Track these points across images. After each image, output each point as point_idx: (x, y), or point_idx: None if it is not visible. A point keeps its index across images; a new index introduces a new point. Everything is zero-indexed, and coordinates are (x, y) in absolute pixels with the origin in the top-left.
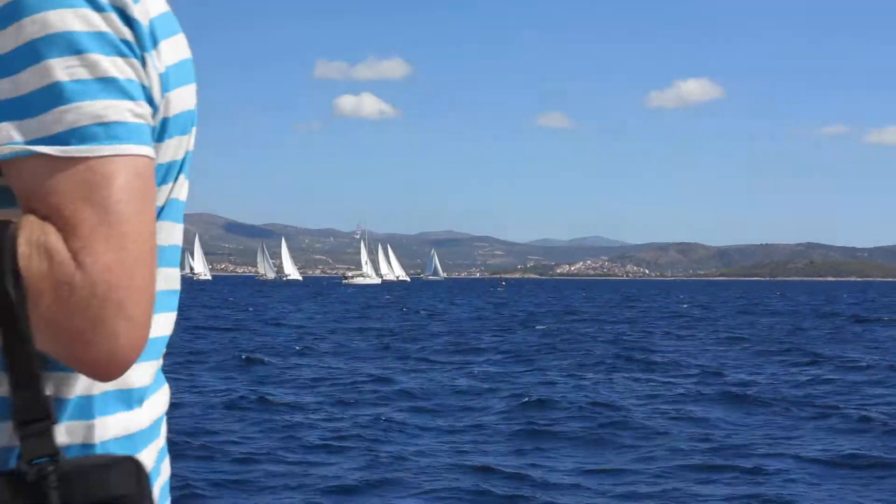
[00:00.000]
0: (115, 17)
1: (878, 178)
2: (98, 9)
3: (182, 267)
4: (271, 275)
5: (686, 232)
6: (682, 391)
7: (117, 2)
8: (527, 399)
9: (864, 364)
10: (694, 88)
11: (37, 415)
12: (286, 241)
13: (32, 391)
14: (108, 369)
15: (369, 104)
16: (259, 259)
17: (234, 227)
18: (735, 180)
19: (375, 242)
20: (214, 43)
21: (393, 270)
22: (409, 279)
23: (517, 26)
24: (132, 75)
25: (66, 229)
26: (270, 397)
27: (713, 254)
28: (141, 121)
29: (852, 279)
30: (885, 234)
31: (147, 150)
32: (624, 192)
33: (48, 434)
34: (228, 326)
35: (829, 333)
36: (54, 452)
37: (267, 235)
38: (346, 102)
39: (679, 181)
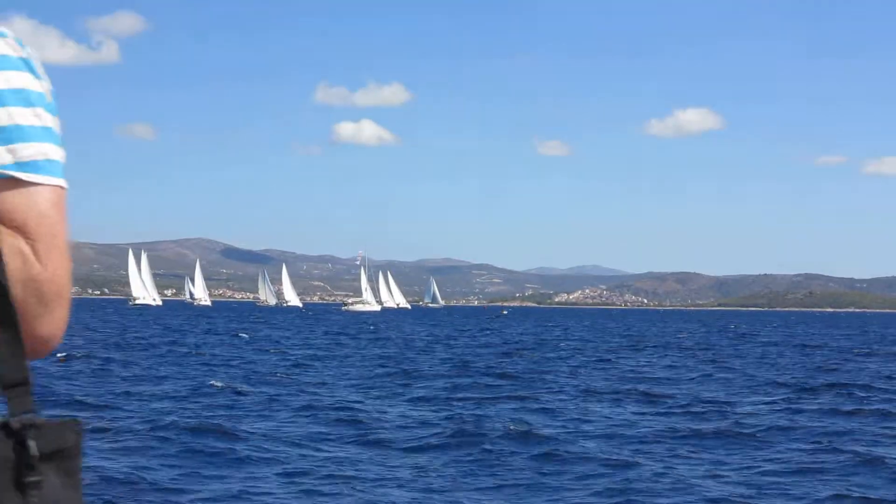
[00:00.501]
0: (48, 84)
1: (876, 208)
2: (37, 77)
3: (182, 292)
4: (272, 301)
5: (684, 262)
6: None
7: (44, 73)
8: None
9: None
10: (693, 117)
11: (20, 380)
12: (284, 267)
13: (17, 361)
14: (50, 345)
15: (369, 130)
16: (260, 285)
17: (231, 253)
18: (734, 210)
19: (375, 269)
20: (213, 62)
21: (393, 297)
22: (409, 306)
23: (516, 54)
24: (57, 127)
25: (30, 239)
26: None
27: (712, 283)
28: (62, 161)
29: (850, 310)
30: (883, 265)
31: (65, 184)
32: (622, 221)
33: (27, 395)
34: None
35: None
36: (32, 410)
37: (265, 261)
38: (346, 129)
39: (678, 210)
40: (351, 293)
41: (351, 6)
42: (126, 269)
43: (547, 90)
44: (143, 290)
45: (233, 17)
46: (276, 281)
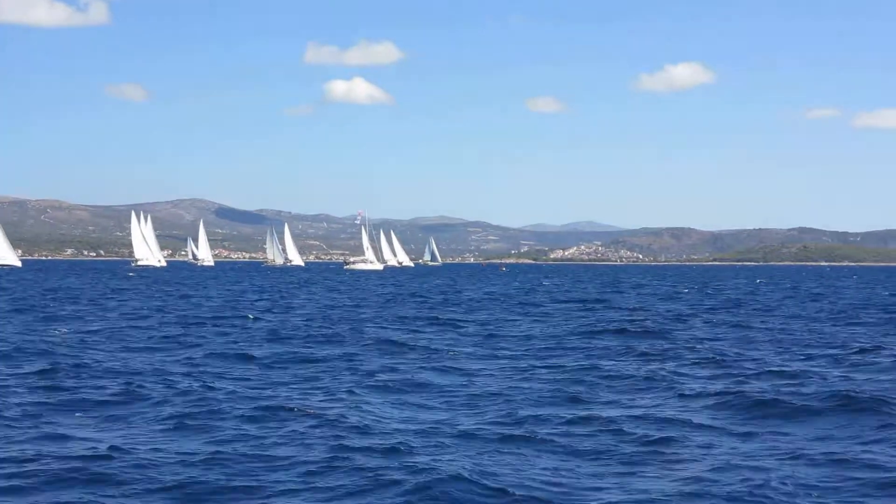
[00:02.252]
0: None
1: (869, 161)
2: None
3: (178, 253)
4: (280, 260)
5: (679, 217)
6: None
7: None
8: None
9: None
10: (684, 72)
11: None
12: (278, 226)
13: None
14: None
15: (361, 89)
16: (268, 245)
17: (225, 213)
18: (727, 165)
19: (376, 228)
20: (203, 22)
21: (396, 256)
22: (413, 265)
23: (506, 10)
24: None
25: None
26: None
27: (706, 238)
28: None
29: (845, 263)
30: (876, 218)
31: None
32: (616, 176)
33: None
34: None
35: None
36: None
37: (260, 221)
38: (338, 87)
39: (671, 166)
40: (347, 251)
41: None
42: (121, 231)
43: (538, 46)
44: (148, 251)
45: None
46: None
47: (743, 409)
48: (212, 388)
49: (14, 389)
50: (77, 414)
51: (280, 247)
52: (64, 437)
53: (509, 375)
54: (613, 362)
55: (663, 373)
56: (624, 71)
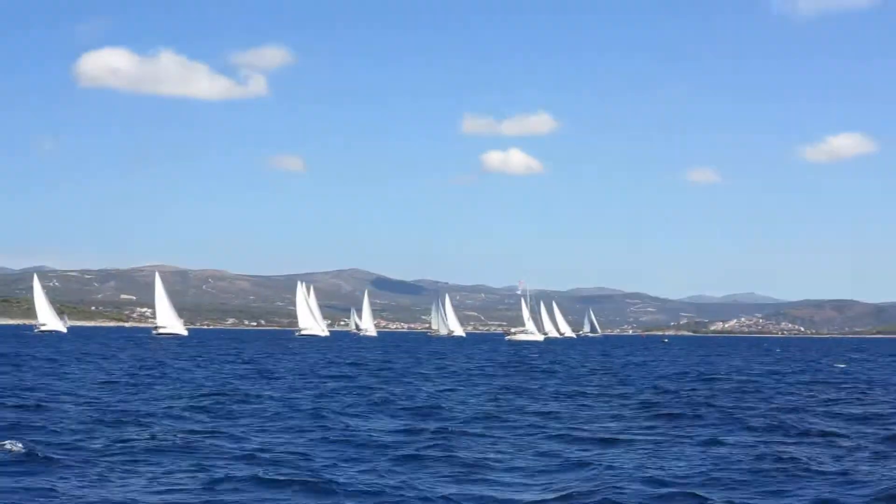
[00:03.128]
0: None
1: None
2: None
3: (336, 323)
4: (444, 331)
5: (842, 289)
6: None
7: None
8: None
9: None
10: (846, 143)
11: None
12: (435, 297)
13: None
14: None
15: (517, 159)
16: (433, 315)
17: (382, 283)
18: (892, 236)
19: (534, 299)
20: (359, 93)
21: (557, 327)
22: (575, 336)
23: (663, 79)
24: None
25: None
26: None
27: (870, 311)
28: None
29: None
30: None
31: None
32: (777, 248)
33: None
34: None
35: None
36: None
37: (417, 291)
38: (494, 158)
39: (833, 237)
40: (505, 322)
41: (492, 36)
42: (282, 301)
43: (695, 116)
44: (312, 320)
45: (378, 47)
46: (429, 311)
47: None
48: None
49: None
50: None
51: (443, 317)
52: None
53: None
54: None
55: None
56: (783, 142)
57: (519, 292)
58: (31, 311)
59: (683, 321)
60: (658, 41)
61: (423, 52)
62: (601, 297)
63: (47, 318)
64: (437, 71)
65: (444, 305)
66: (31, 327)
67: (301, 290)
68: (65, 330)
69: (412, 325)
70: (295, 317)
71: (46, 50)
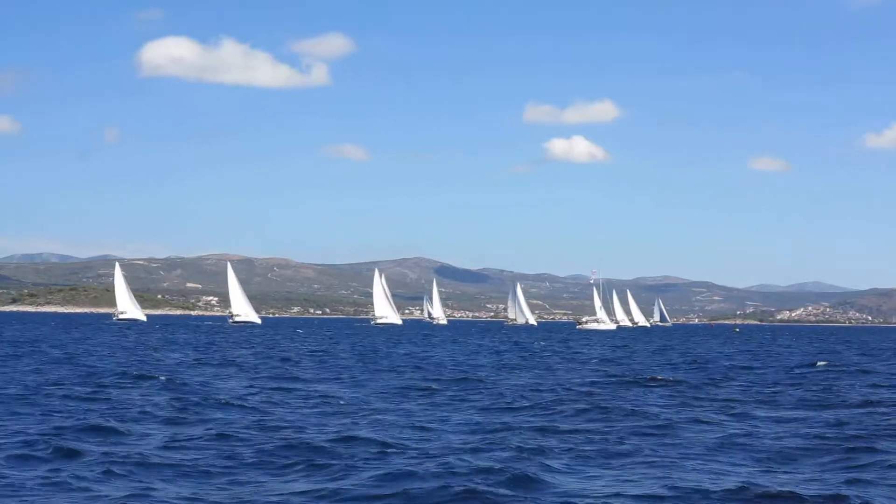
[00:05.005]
0: None
1: None
2: None
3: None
4: (522, 320)
5: None
6: None
7: None
8: None
9: None
10: None
11: None
12: (501, 285)
13: None
14: None
15: (580, 147)
16: (510, 304)
17: (445, 271)
18: None
19: (608, 288)
20: (420, 82)
21: (631, 315)
22: (649, 325)
23: (727, 67)
24: None
25: None
26: None
27: None
28: None
29: None
30: None
31: None
32: (843, 236)
33: None
34: None
35: None
36: None
37: (482, 280)
38: (557, 146)
39: None
40: (569, 311)
41: (551, 24)
42: (346, 290)
43: (760, 104)
44: (389, 308)
45: (439, 36)
46: (494, 300)
47: None
48: None
49: None
50: None
51: (520, 306)
52: None
53: None
54: None
55: None
56: (849, 129)
57: (591, 281)
58: (98, 300)
59: (749, 310)
60: (723, 28)
61: (484, 41)
62: (667, 285)
63: (127, 307)
64: (499, 59)
65: (517, 294)
66: (107, 316)
67: (378, 278)
68: (144, 318)
69: (477, 314)
70: (360, 305)
71: (109, 40)
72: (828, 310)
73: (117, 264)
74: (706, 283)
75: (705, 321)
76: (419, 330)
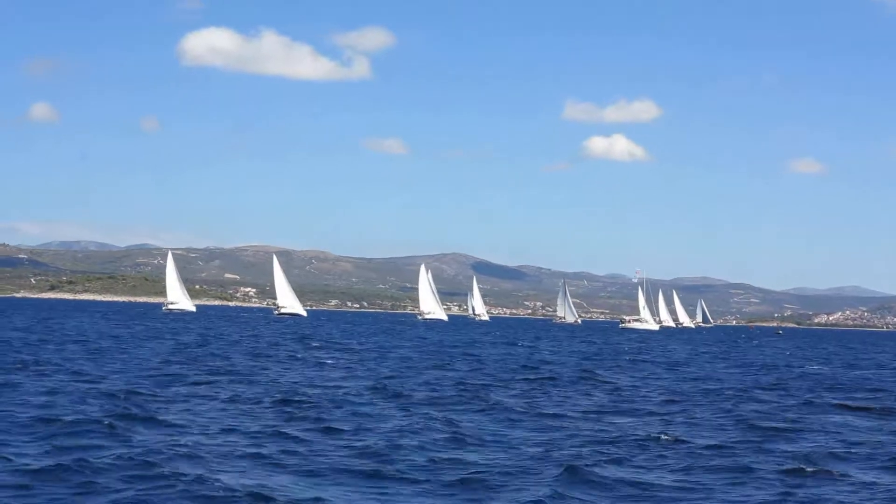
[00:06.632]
0: None
1: None
2: None
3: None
4: (570, 318)
5: None
6: None
7: None
8: None
9: None
10: None
11: None
12: (535, 282)
13: None
14: None
15: (620, 146)
16: (559, 302)
17: (482, 268)
18: None
19: (654, 287)
20: (460, 78)
21: (676, 316)
22: (693, 325)
23: (767, 69)
24: None
25: None
26: None
27: None
28: None
29: None
30: None
31: None
32: (883, 240)
33: None
34: None
35: None
36: None
37: (519, 277)
38: (597, 144)
39: None
40: (607, 311)
41: (592, 22)
42: (384, 283)
43: (796, 107)
44: (435, 304)
45: (479, 30)
46: (531, 297)
47: None
48: None
49: None
50: None
51: (569, 305)
52: None
53: None
54: None
55: None
56: (888, 133)
57: (636, 280)
58: (136, 289)
59: (787, 313)
60: (764, 30)
61: (524, 36)
62: (704, 286)
63: (178, 297)
64: (538, 55)
65: (567, 293)
66: (152, 305)
67: (424, 273)
68: (194, 309)
69: (514, 311)
70: (397, 299)
71: (150, 30)
72: (865, 314)
73: (170, 253)
74: (744, 284)
75: (743, 323)
76: (470, 326)
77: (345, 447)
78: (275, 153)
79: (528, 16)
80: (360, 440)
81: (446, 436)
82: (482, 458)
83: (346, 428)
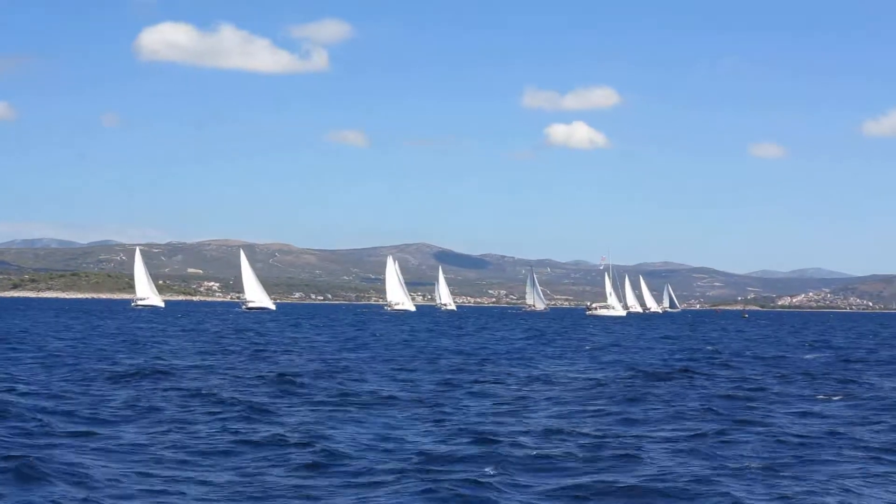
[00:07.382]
0: None
1: None
2: None
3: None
4: (541, 305)
5: None
6: None
7: None
8: None
9: None
10: None
11: None
12: (498, 271)
13: None
14: None
15: (580, 133)
16: (528, 290)
17: (444, 257)
18: None
19: (621, 274)
20: (419, 68)
21: (643, 302)
22: (661, 311)
23: (722, 53)
24: None
25: None
26: None
27: None
28: None
29: None
30: None
31: None
32: (844, 222)
33: None
34: None
35: None
36: None
37: (482, 265)
38: (558, 131)
39: None
40: (571, 297)
41: (550, 9)
42: (348, 276)
43: (758, 91)
44: (403, 294)
45: (438, 20)
46: (496, 286)
47: None
48: None
49: None
50: None
51: (538, 293)
52: None
53: None
54: None
55: None
56: (847, 115)
57: (601, 267)
58: (99, 286)
59: (751, 296)
60: (721, 14)
61: (482, 25)
62: (667, 271)
63: (146, 293)
64: (497, 44)
65: (535, 281)
66: (117, 302)
67: (391, 264)
68: (163, 305)
69: (478, 300)
70: (361, 291)
71: (106, 26)
72: (828, 296)
73: (137, 249)
74: (707, 269)
75: (708, 307)
76: (456, 317)
77: None
78: (235, 147)
79: (485, 4)
80: None
81: None
82: None
83: None
